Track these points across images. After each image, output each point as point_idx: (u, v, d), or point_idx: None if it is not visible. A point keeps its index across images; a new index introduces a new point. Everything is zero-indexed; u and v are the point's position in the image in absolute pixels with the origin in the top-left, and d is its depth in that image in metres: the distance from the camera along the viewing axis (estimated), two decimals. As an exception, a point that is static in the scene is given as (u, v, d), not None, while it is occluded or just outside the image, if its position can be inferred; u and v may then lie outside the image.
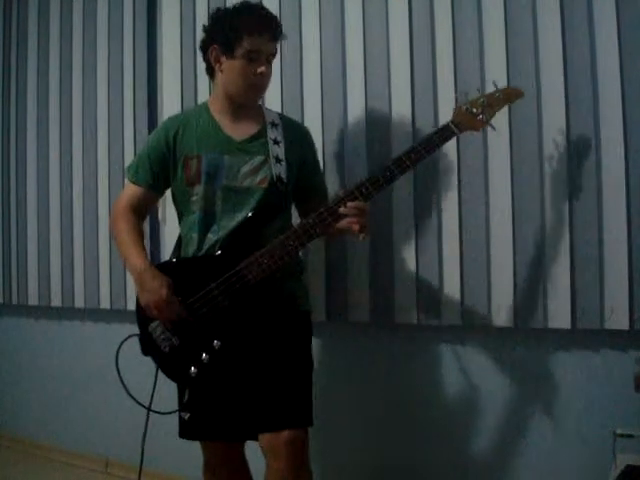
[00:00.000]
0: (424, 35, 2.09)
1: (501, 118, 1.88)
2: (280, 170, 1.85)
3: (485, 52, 1.98)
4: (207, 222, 1.86)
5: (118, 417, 2.86)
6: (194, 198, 1.87)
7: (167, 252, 2.38)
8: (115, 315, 2.89)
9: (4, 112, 3.40)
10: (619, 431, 1.61)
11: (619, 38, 1.78)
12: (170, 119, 1.99)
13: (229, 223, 1.83)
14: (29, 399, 3.37)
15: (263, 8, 1.88)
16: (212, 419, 1.88)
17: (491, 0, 1.96)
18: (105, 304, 2.93)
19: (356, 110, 2.22)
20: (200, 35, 1.91)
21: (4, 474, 3.04)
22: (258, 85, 1.83)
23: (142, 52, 2.81)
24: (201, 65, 1.95)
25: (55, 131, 3.15)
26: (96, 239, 2.96)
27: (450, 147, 2.00)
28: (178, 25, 2.67)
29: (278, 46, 1.87)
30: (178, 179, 1.89)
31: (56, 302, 3.13)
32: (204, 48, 1.88)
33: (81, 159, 3.03)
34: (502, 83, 1.78)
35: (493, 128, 1.71)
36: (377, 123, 2.17)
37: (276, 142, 1.88)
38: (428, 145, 1.68)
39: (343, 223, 1.72)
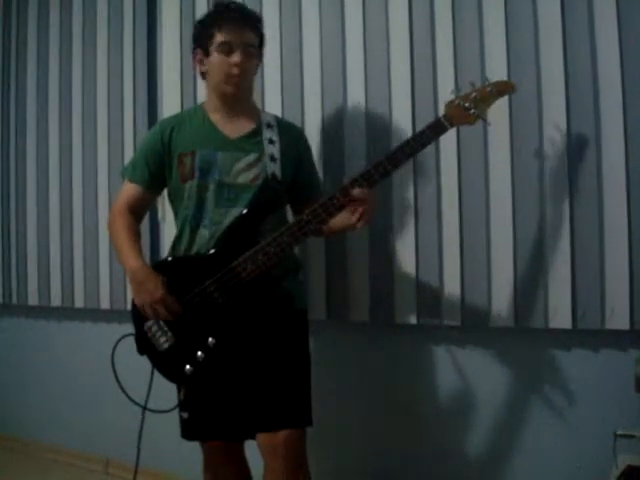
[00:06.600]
0: (424, 34, 2.08)
1: (502, 116, 1.89)
2: (274, 168, 1.86)
3: (485, 51, 1.98)
4: (199, 216, 1.86)
5: (118, 417, 2.85)
6: (187, 194, 1.88)
7: (167, 251, 2.38)
8: (115, 315, 2.89)
9: (4, 112, 3.40)
10: (619, 431, 1.61)
11: (620, 35, 1.78)
12: (165, 119, 2.03)
13: (223, 219, 1.84)
14: (29, 399, 3.37)
15: (233, 3, 1.90)
16: (211, 419, 1.88)
17: (491, -1, 1.97)
18: (105, 304, 2.93)
19: (356, 110, 2.21)
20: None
21: (4, 474, 3.04)
22: (234, 74, 1.83)
23: (142, 52, 2.81)
24: (201, 65, 1.96)
25: (55, 131, 3.15)
26: (96, 239, 2.95)
27: (450, 146, 2.01)
28: (178, 25, 2.67)
29: (256, 37, 1.87)
30: (173, 177, 1.91)
31: (56, 302, 3.12)
32: (192, 55, 1.93)
33: (81, 159, 3.03)
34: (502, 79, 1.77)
35: (487, 122, 1.69)
36: (377, 123, 2.17)
37: (271, 142, 1.89)
38: (420, 139, 1.66)
39: (338, 218, 1.72)
